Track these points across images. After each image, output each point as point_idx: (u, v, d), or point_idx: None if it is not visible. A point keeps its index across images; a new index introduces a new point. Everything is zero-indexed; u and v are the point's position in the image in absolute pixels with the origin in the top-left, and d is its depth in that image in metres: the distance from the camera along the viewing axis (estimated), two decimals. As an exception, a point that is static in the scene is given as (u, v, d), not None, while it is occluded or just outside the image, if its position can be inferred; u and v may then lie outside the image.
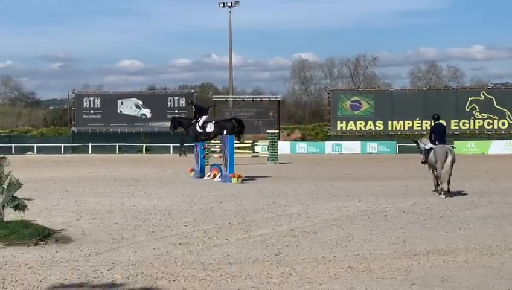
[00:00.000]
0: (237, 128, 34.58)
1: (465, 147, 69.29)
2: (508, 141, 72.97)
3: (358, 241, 15.62)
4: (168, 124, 70.10)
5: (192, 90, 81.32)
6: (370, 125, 75.33)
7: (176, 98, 73.46)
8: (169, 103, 72.57)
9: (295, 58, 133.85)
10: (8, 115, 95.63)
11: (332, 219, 19.44)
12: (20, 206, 16.08)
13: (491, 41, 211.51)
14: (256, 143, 56.57)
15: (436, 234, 16.70)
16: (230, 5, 78.41)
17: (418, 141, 28.31)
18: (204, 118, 33.93)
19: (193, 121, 34.16)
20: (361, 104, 75.50)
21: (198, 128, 33.29)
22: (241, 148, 43.87)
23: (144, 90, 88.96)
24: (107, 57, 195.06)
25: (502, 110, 75.44)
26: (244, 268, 12.72)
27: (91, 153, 65.57)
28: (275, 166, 47.76)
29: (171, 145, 65.42)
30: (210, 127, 33.82)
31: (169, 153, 64.30)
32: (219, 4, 79.58)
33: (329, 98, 78.67)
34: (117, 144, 67.52)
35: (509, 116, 75.24)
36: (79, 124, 72.54)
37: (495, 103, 75.44)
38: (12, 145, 66.89)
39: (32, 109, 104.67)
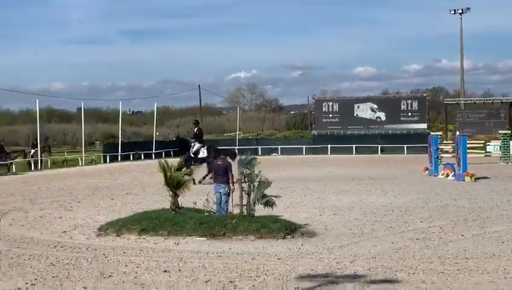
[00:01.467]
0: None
1: None
2: None
3: None
4: (402, 126, 70.54)
5: (424, 94, 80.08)
6: None
7: (409, 101, 72.39)
8: (402, 106, 71.59)
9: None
10: (254, 120, 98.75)
11: None
12: (269, 203, 16.48)
13: None
14: (488, 143, 54.79)
15: None
16: (461, 11, 76.50)
17: None
18: (198, 145, 32.32)
19: (192, 141, 32.80)
20: None
21: (191, 154, 31.99)
22: (473, 148, 42.66)
23: (378, 95, 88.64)
24: (343, 64, 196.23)
25: None
26: (480, 263, 12.35)
27: (330, 154, 66.08)
28: (507, 165, 45.90)
29: (405, 146, 64.90)
30: (203, 153, 32.36)
31: (403, 153, 63.66)
32: (450, 11, 77.99)
33: None
34: (354, 145, 67.62)
35: None
36: (319, 127, 73.23)
37: None
38: (259, 147, 68.76)
39: (276, 114, 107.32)
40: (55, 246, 15.07)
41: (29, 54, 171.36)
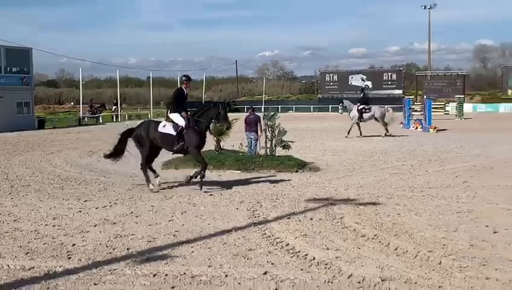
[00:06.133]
0: None
1: None
2: None
3: (526, 175, 14.56)
4: (384, 92, 69.78)
5: (400, 68, 78.54)
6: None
7: (389, 73, 71.50)
8: (384, 77, 70.92)
9: (476, 44, 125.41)
10: (276, 87, 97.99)
11: (505, 159, 18.24)
12: (286, 146, 16.54)
13: None
14: (447, 104, 54.13)
15: None
16: (429, 7, 74.53)
17: None
18: None
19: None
20: (527, 75, 69.27)
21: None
22: (436, 108, 42.17)
23: (367, 69, 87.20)
24: (341, 45, 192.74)
25: None
26: (439, 191, 12.32)
27: (330, 112, 65.68)
28: (461, 121, 45.35)
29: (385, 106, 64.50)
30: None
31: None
32: (421, 6, 76.12)
33: (502, 72, 73.01)
34: (348, 106, 67.15)
35: None
36: (323, 92, 72.48)
37: None
38: (279, 106, 68.34)
39: (291, 82, 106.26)
40: (130, 176, 15.23)
41: (113, 35, 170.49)
